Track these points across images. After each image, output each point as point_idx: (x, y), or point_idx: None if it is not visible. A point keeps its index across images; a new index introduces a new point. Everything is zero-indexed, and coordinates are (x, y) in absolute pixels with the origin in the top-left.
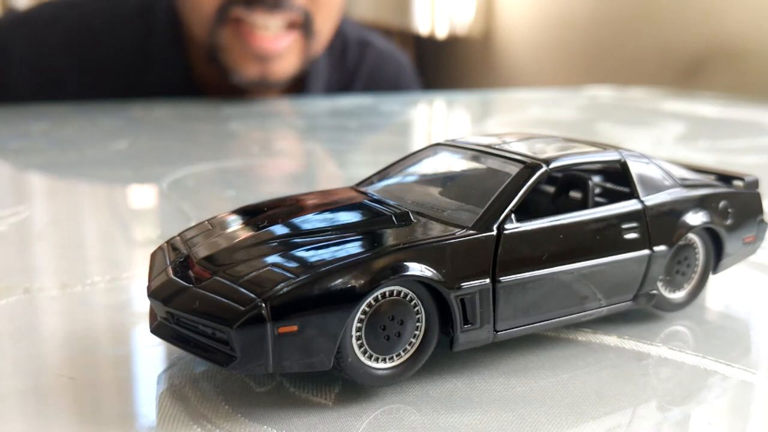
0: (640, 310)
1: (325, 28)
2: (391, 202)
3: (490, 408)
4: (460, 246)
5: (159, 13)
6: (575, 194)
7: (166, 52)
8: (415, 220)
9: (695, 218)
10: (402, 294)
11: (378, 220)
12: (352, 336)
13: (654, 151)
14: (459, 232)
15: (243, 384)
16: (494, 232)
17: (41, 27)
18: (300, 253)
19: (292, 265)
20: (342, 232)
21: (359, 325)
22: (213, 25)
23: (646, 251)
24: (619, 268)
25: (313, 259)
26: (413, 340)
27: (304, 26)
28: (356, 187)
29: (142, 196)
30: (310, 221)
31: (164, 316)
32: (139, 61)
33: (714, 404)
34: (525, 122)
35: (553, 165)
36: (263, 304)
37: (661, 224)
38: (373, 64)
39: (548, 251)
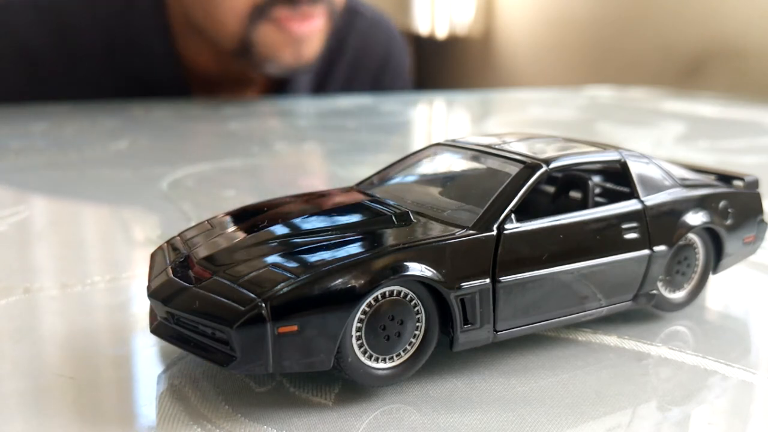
0: (640, 310)
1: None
2: (391, 202)
3: (490, 408)
4: (460, 246)
5: (142, 6)
6: (575, 194)
7: (153, 46)
8: (415, 220)
9: (695, 218)
10: (402, 294)
11: (378, 220)
12: (352, 336)
13: (654, 151)
14: (459, 232)
15: (243, 384)
16: (494, 232)
17: (21, 21)
18: (300, 253)
19: (292, 265)
20: (342, 232)
21: (359, 325)
22: (248, 22)
23: (646, 251)
24: (619, 268)
25: (313, 259)
26: (413, 340)
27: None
28: (356, 187)
29: (142, 196)
30: (310, 221)
31: (164, 316)
32: (125, 56)
33: (714, 404)
34: (525, 122)
35: (553, 165)
36: (263, 304)
37: (661, 224)
38: (363, 32)
39: (548, 251)
